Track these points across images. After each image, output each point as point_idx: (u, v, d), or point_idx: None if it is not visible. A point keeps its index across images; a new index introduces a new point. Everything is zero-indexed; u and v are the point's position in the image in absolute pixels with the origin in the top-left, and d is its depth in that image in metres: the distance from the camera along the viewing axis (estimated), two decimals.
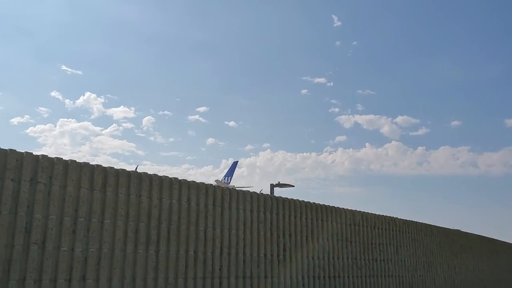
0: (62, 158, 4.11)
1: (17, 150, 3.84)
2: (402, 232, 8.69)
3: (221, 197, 5.44)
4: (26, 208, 3.80)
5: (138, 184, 4.62)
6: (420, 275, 9.02)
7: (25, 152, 3.89)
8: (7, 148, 3.79)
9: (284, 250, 6.12)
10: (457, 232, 11.26)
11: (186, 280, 4.85)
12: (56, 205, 3.98)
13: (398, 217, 8.70)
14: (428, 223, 9.77)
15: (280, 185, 22.01)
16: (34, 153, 3.94)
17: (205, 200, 5.24)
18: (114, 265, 4.27)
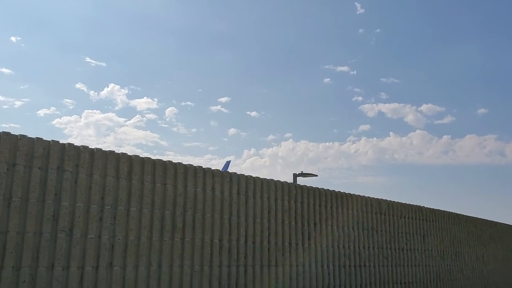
0: (88, 147, 4.14)
1: (44, 139, 3.88)
2: (429, 221, 8.54)
3: (245, 185, 5.42)
4: (53, 196, 3.84)
5: (163, 173, 4.62)
6: (447, 265, 8.87)
7: (52, 140, 3.92)
8: (34, 137, 3.83)
9: (309, 239, 6.08)
10: (486, 222, 11.02)
11: (211, 267, 4.86)
12: (83, 193, 4.01)
13: (425, 206, 8.55)
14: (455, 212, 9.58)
15: (302, 174, 21.90)
16: (61, 141, 3.97)
17: (229, 188, 5.23)
18: (140, 253, 4.30)
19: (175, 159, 4.76)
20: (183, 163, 4.85)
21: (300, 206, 6.06)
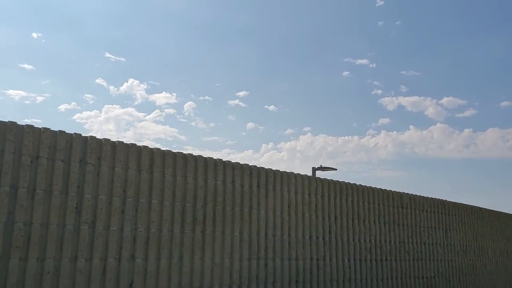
0: (109, 140, 4.16)
1: (66, 132, 3.91)
2: (452, 215, 8.41)
3: (265, 178, 5.40)
4: (76, 189, 3.88)
5: (184, 166, 4.63)
6: (470, 260, 8.73)
7: (74, 133, 3.96)
8: (57, 130, 3.87)
9: (330, 232, 6.04)
10: (510, 216, 10.81)
11: (232, 260, 4.86)
12: (105, 186, 4.04)
13: (447, 200, 8.42)
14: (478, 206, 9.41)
15: (321, 168, 21.79)
16: (83, 134, 4.00)
17: (249, 181, 5.22)
18: (162, 245, 4.32)
19: (194, 154, 4.77)
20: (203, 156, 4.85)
21: (321, 199, 6.02)
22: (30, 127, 3.72)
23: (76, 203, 3.86)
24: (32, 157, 3.68)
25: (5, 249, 3.45)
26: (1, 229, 3.44)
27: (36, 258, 3.58)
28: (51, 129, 3.83)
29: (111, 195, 4.07)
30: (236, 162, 5.16)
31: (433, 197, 8.09)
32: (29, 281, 3.52)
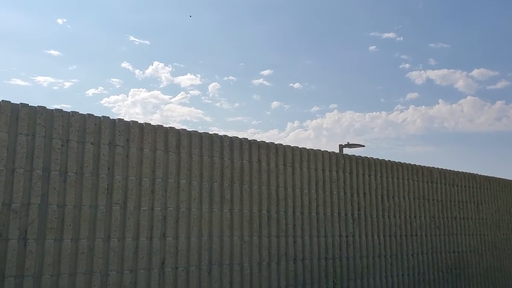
0: (137, 122, 4.22)
1: (95, 115, 3.98)
2: (483, 189, 8.25)
3: (292, 156, 5.39)
4: (106, 170, 3.95)
5: (210, 145, 4.66)
6: (503, 234, 8.57)
7: (102, 116, 4.02)
8: (85, 113, 3.93)
9: (359, 209, 6.01)
10: None
11: (260, 238, 4.90)
12: (134, 167, 4.11)
13: (479, 174, 8.25)
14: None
15: (349, 145, 21.64)
16: (111, 117, 4.06)
17: (275, 160, 5.22)
18: (191, 224, 4.39)
19: (219, 134, 4.79)
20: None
21: (349, 176, 5.98)
22: (59, 111, 3.79)
23: (107, 185, 3.94)
24: (62, 140, 3.76)
25: (40, 230, 3.56)
26: (36, 211, 3.55)
27: (70, 238, 3.69)
28: (80, 112, 3.90)
29: (140, 176, 4.14)
30: (262, 141, 5.16)
31: (464, 171, 7.93)
32: (64, 261, 3.63)
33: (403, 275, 6.43)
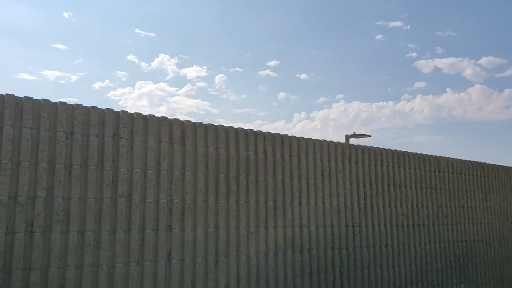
0: (141, 113, 4.20)
1: (99, 107, 3.96)
2: (491, 177, 8.19)
3: (297, 147, 5.36)
4: (111, 163, 3.95)
5: (215, 137, 4.64)
6: (511, 223, 8.52)
7: (106, 108, 4.00)
8: (89, 106, 3.92)
9: (365, 199, 5.98)
10: None
11: (267, 229, 4.89)
12: (139, 159, 4.10)
13: (486, 162, 8.18)
14: None
15: (355, 135, 21.53)
16: (115, 109, 4.05)
17: (281, 150, 5.19)
18: (197, 215, 4.38)
19: (224, 125, 4.77)
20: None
21: (355, 166, 5.95)
22: (63, 104, 3.78)
23: (112, 177, 3.93)
24: (66, 133, 3.76)
25: (46, 223, 3.57)
26: (41, 204, 3.56)
27: (76, 231, 3.69)
28: (83, 105, 3.89)
29: (145, 168, 4.13)
30: (267, 132, 5.13)
31: (472, 160, 7.87)
32: (71, 253, 3.64)
33: (410, 264, 6.41)
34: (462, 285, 6.26)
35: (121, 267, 3.88)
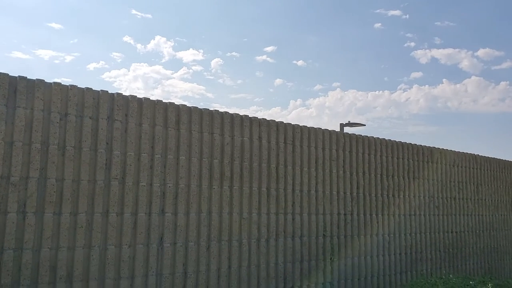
0: (136, 96, 4.17)
1: (94, 89, 3.93)
2: (483, 169, 8.25)
3: (292, 134, 5.36)
4: (105, 145, 3.93)
5: (210, 122, 4.63)
6: (501, 215, 8.61)
7: (101, 90, 3.97)
8: (83, 87, 3.89)
9: (358, 188, 6.01)
10: None
11: (259, 215, 4.91)
12: (133, 142, 4.09)
13: (479, 154, 8.23)
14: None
15: (350, 124, 21.57)
16: (109, 91, 4.02)
17: (276, 137, 5.19)
18: (190, 200, 4.39)
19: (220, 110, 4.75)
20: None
21: (349, 155, 5.97)
22: (57, 84, 3.75)
23: (106, 159, 3.92)
24: (60, 114, 3.73)
25: (39, 204, 3.56)
26: (34, 185, 3.55)
27: (69, 212, 3.69)
28: (78, 86, 3.86)
29: (139, 151, 4.12)
30: (263, 118, 5.12)
31: (466, 151, 7.92)
32: (63, 234, 3.64)
33: (400, 253, 6.47)
34: (450, 275, 6.33)
35: (113, 250, 3.88)
